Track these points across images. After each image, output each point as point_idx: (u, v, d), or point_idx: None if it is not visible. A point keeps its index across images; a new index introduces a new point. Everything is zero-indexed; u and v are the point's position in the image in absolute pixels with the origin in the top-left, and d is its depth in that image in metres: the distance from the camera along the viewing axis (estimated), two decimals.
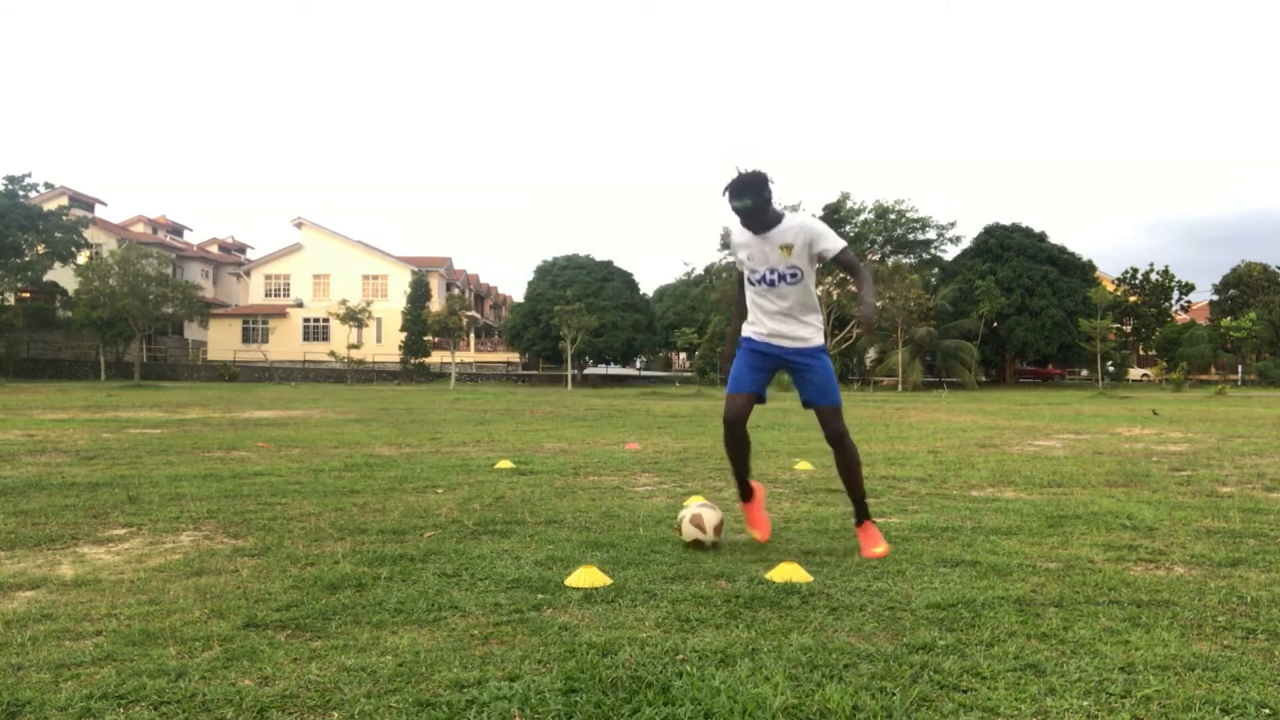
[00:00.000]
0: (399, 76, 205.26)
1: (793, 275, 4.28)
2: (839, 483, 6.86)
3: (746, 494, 4.61)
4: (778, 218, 4.28)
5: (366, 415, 17.21)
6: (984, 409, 21.92)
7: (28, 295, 52.69)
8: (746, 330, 4.47)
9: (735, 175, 4.17)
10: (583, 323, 49.47)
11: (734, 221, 4.33)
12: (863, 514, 4.41)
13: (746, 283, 4.43)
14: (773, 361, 4.42)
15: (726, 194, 4.19)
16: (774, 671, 2.62)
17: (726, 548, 4.42)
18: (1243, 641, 2.96)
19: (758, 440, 11.25)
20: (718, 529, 4.37)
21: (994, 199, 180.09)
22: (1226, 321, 56.32)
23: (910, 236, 56.14)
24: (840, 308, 53.86)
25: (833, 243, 4.27)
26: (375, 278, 64.26)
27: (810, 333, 4.41)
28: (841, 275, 54.43)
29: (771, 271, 4.28)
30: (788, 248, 4.25)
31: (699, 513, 4.39)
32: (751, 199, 4.15)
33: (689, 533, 4.37)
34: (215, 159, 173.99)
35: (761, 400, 4.45)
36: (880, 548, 4.27)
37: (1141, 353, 67.14)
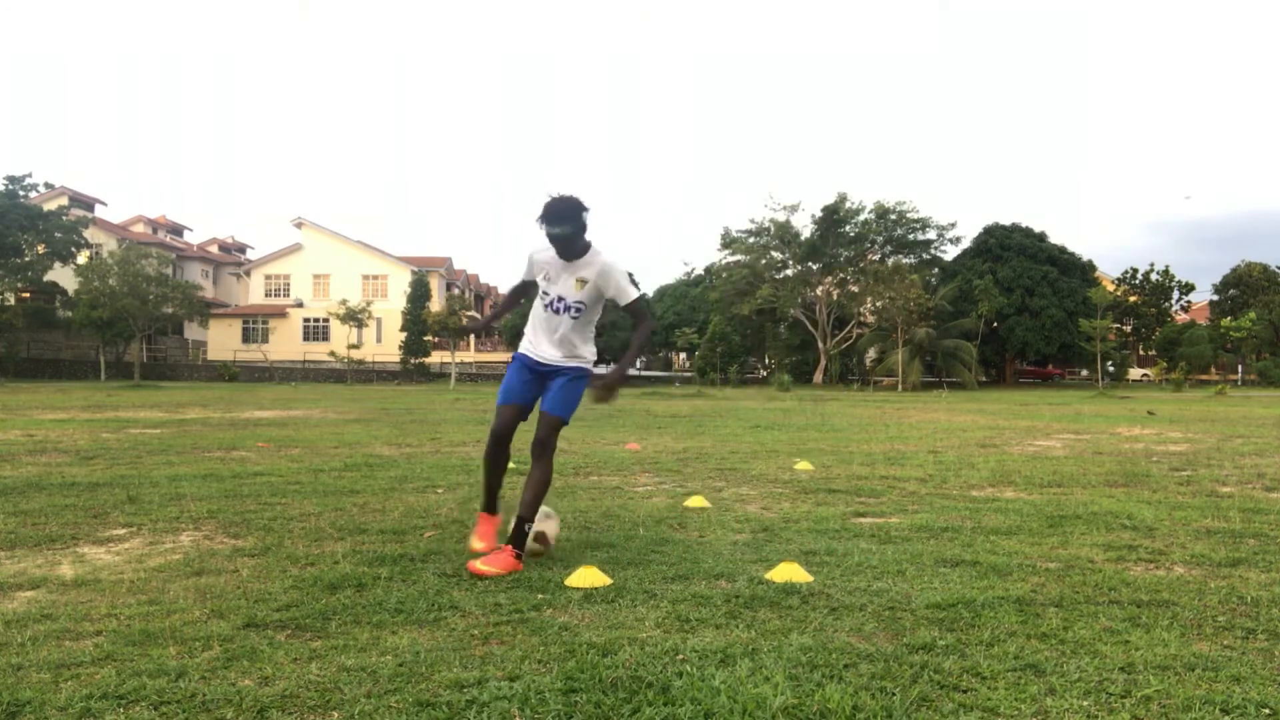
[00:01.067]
0: (399, 76, 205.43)
1: (578, 310, 4.27)
2: (839, 483, 6.89)
3: (493, 506, 4.47)
4: (585, 248, 4.22)
5: (366, 415, 17.21)
6: (984, 409, 21.92)
7: (28, 295, 52.69)
8: (524, 345, 4.42)
9: (552, 199, 4.11)
10: None
11: (543, 240, 4.25)
12: (519, 541, 4.07)
13: (537, 301, 4.39)
14: (540, 378, 4.36)
15: (542, 217, 4.11)
16: (774, 671, 2.62)
17: (726, 548, 4.42)
18: (1243, 641, 2.96)
19: (758, 440, 11.26)
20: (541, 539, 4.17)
21: (994, 199, 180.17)
22: (1226, 321, 56.30)
23: (910, 237, 56.09)
24: (840, 308, 53.90)
25: (627, 294, 4.25)
26: (375, 278, 64.25)
27: (578, 361, 4.35)
28: (841, 275, 54.55)
29: (559, 300, 4.26)
30: (582, 282, 4.23)
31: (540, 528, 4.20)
32: (570, 226, 4.10)
33: (532, 549, 4.15)
34: (215, 159, 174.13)
35: (524, 416, 4.39)
36: (492, 568, 3.86)
37: (1141, 353, 67.13)
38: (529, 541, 4.09)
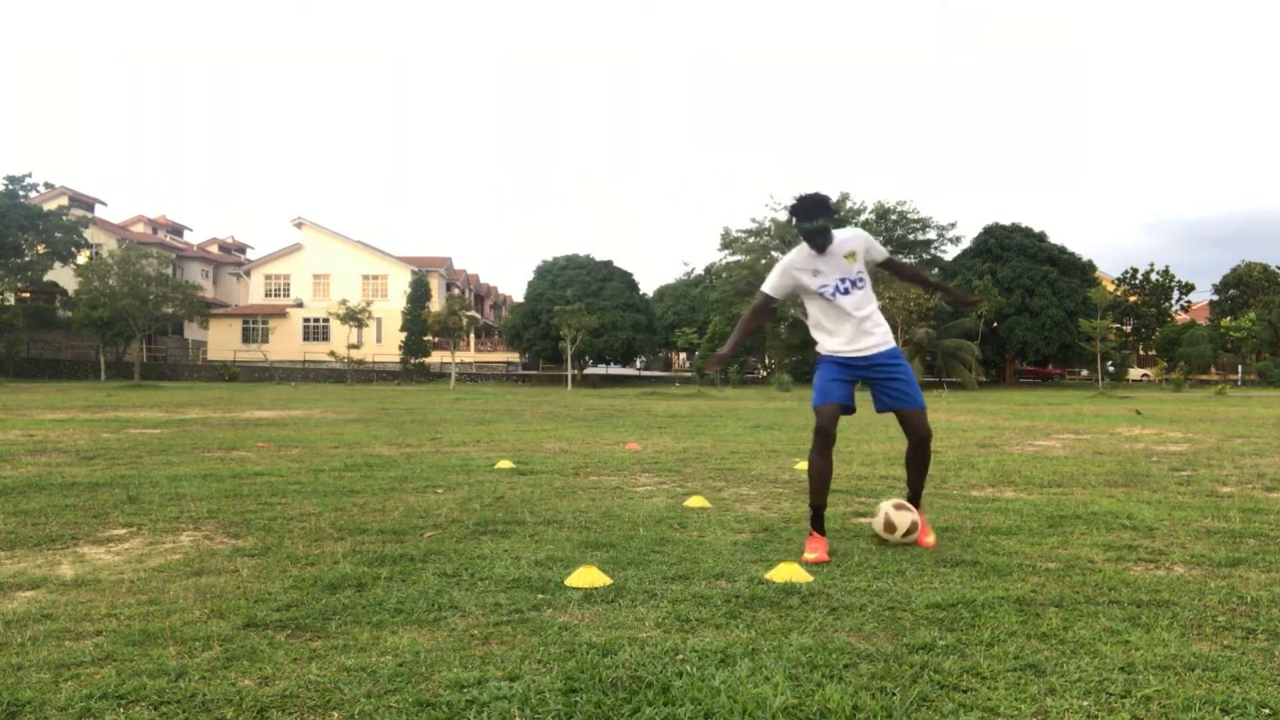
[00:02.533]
0: (399, 76, 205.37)
1: (861, 279, 4.56)
2: (839, 482, 6.88)
3: (820, 523, 4.42)
4: (832, 237, 4.53)
5: (366, 415, 17.21)
6: (984, 409, 21.91)
7: (28, 295, 52.65)
8: (826, 347, 4.59)
9: (805, 197, 4.41)
10: (583, 323, 49.46)
11: (793, 254, 4.55)
12: (916, 501, 4.69)
13: (817, 298, 4.54)
14: (855, 373, 4.56)
15: (797, 217, 4.44)
16: (774, 671, 2.62)
17: (726, 548, 4.42)
18: (1243, 641, 2.96)
19: (758, 440, 11.26)
20: (908, 531, 4.47)
21: (994, 199, 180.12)
22: (1226, 321, 56.28)
23: (910, 237, 56.11)
24: None
25: (883, 251, 4.73)
26: (375, 278, 64.23)
27: (883, 335, 4.59)
28: None
29: (843, 280, 4.51)
30: (851, 256, 4.53)
31: (889, 515, 4.52)
32: (826, 219, 4.42)
33: (879, 528, 4.55)
34: (215, 159, 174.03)
35: (850, 410, 4.56)
36: (932, 537, 4.54)
37: (1141, 353, 67.11)
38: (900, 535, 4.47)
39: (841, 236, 4.53)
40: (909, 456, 4.69)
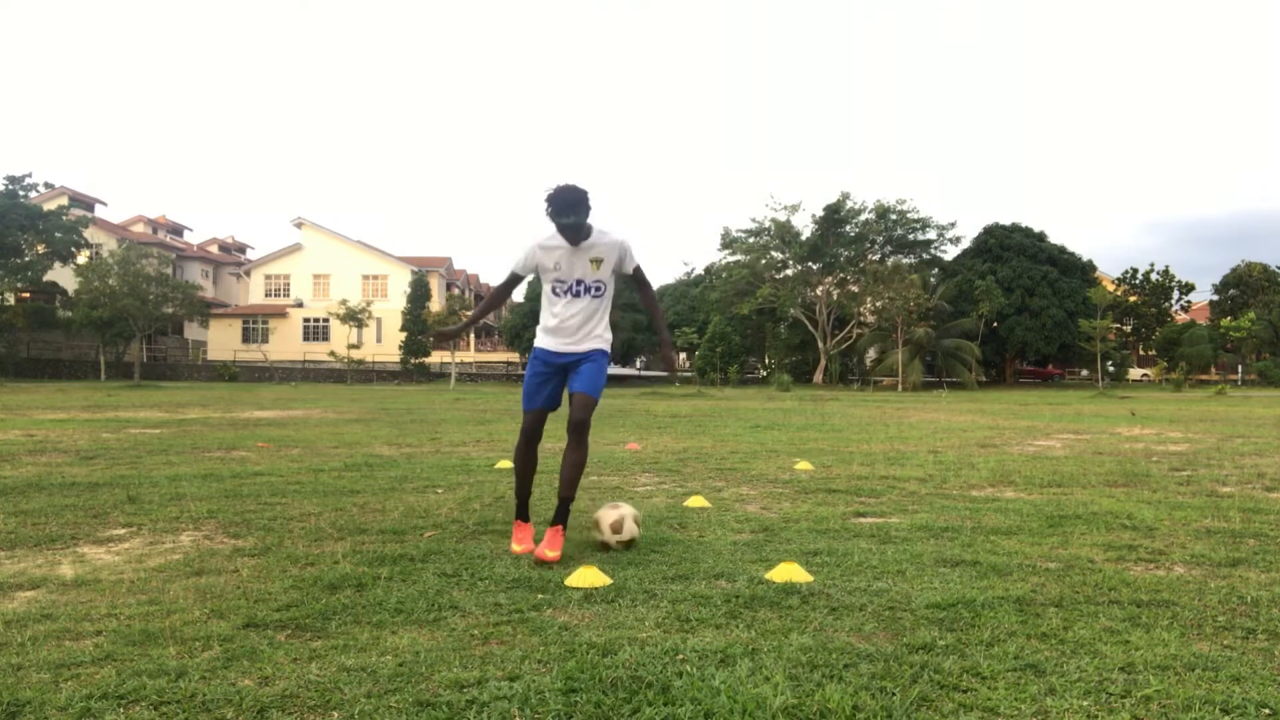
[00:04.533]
0: (399, 76, 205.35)
1: (598, 289, 4.39)
2: (839, 483, 6.88)
3: (525, 512, 4.55)
4: (590, 230, 4.36)
5: (366, 415, 17.21)
6: (984, 409, 21.91)
7: (28, 295, 52.66)
8: (542, 340, 4.49)
9: (558, 189, 4.21)
10: None
11: (550, 229, 4.36)
12: (562, 516, 4.31)
13: (549, 292, 4.43)
14: (560, 371, 4.47)
15: (551, 206, 4.21)
16: (774, 671, 2.61)
17: (726, 548, 4.42)
18: (1243, 641, 2.96)
19: (758, 440, 11.25)
20: (615, 527, 4.31)
21: (994, 199, 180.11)
22: (1226, 321, 56.26)
23: (910, 236, 56.08)
24: (840, 308, 53.86)
25: (635, 262, 4.49)
26: (375, 278, 64.25)
27: (601, 343, 4.47)
28: (841, 275, 54.50)
29: (578, 283, 4.36)
30: (597, 262, 4.35)
31: (599, 515, 4.37)
32: (578, 215, 4.22)
33: (594, 537, 4.35)
34: (215, 159, 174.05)
35: (555, 408, 4.53)
36: (552, 553, 4.11)
37: (1141, 353, 67.09)
38: (614, 536, 4.29)
39: (596, 238, 4.35)
40: (564, 453, 4.40)
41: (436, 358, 58.15)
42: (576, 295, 4.37)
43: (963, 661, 2.74)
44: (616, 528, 4.32)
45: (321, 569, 3.90)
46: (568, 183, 4.24)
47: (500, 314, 73.39)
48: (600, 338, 4.45)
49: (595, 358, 4.43)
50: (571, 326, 4.40)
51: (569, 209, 4.19)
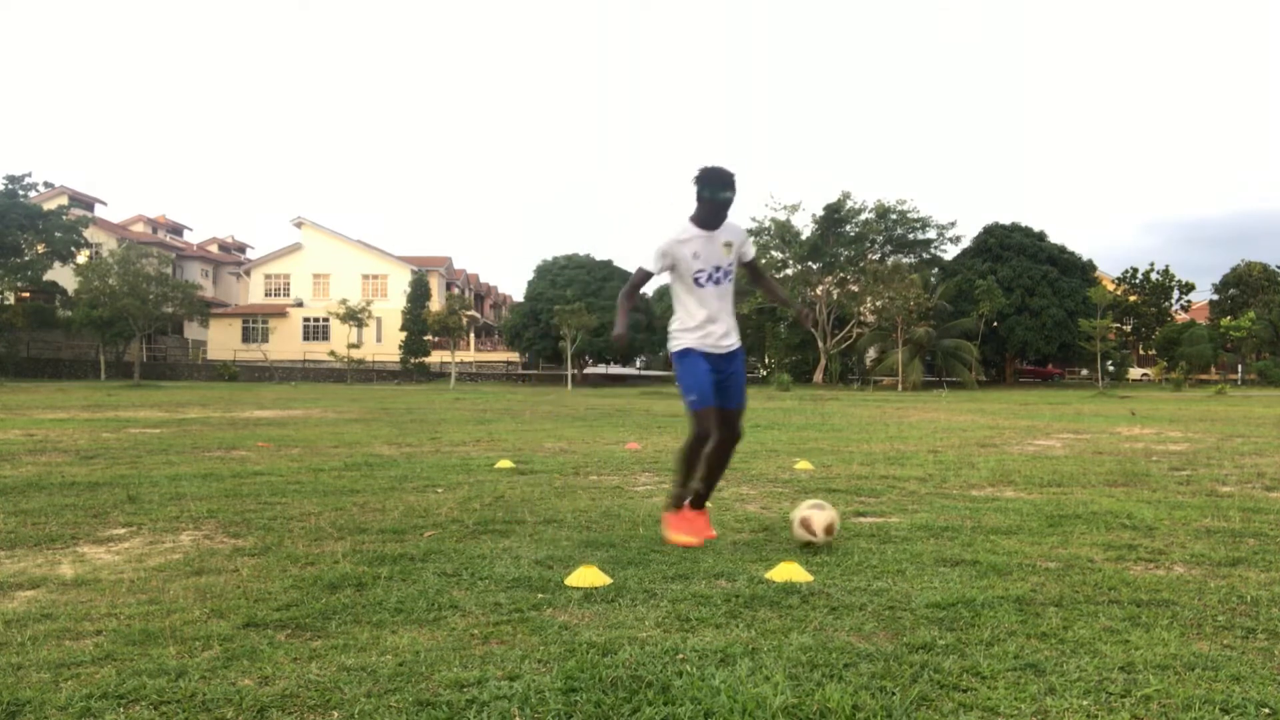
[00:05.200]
0: (399, 76, 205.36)
1: (730, 273, 4.43)
2: (839, 482, 6.88)
3: (695, 501, 4.56)
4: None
5: (366, 415, 17.21)
6: (984, 409, 21.92)
7: (28, 295, 52.64)
8: (695, 340, 4.42)
9: (718, 167, 4.26)
10: (583, 322, 49.45)
11: (678, 225, 4.38)
12: (702, 501, 4.52)
13: (691, 284, 4.39)
14: (721, 363, 4.45)
15: (709, 182, 4.24)
16: (774, 671, 2.61)
17: (726, 548, 4.42)
18: (1243, 641, 2.96)
19: (758, 440, 11.25)
20: (829, 530, 4.33)
21: (994, 199, 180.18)
22: (1226, 321, 56.25)
23: (910, 236, 56.12)
24: (840, 307, 53.86)
25: (752, 251, 4.60)
26: (375, 277, 64.24)
27: (737, 333, 4.54)
28: (841, 275, 54.49)
29: (717, 269, 4.38)
30: (728, 245, 4.39)
31: (808, 515, 4.38)
32: (734, 193, 4.28)
33: (799, 535, 4.37)
34: (215, 159, 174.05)
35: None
36: (685, 537, 4.31)
37: (1141, 352, 67.09)
38: (825, 537, 4.30)
39: (727, 224, 4.41)
40: (713, 451, 4.43)
41: (436, 357, 58.14)
42: (717, 282, 4.40)
43: (963, 661, 2.74)
44: (829, 530, 4.34)
45: (321, 569, 3.90)
46: (719, 163, 4.30)
47: (500, 313, 73.32)
48: (735, 325, 4.52)
49: (740, 361, 4.52)
50: (722, 317, 4.44)
51: (729, 185, 4.25)
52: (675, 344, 4.49)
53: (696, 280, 4.36)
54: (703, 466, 4.42)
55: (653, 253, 4.38)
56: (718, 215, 4.31)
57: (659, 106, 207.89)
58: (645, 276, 4.51)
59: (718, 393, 4.38)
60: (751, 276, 4.76)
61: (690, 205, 4.41)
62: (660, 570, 3.90)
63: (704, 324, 4.42)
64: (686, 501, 4.54)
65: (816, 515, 4.36)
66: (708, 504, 4.62)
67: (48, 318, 53.00)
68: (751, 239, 4.57)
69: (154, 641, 2.92)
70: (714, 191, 4.24)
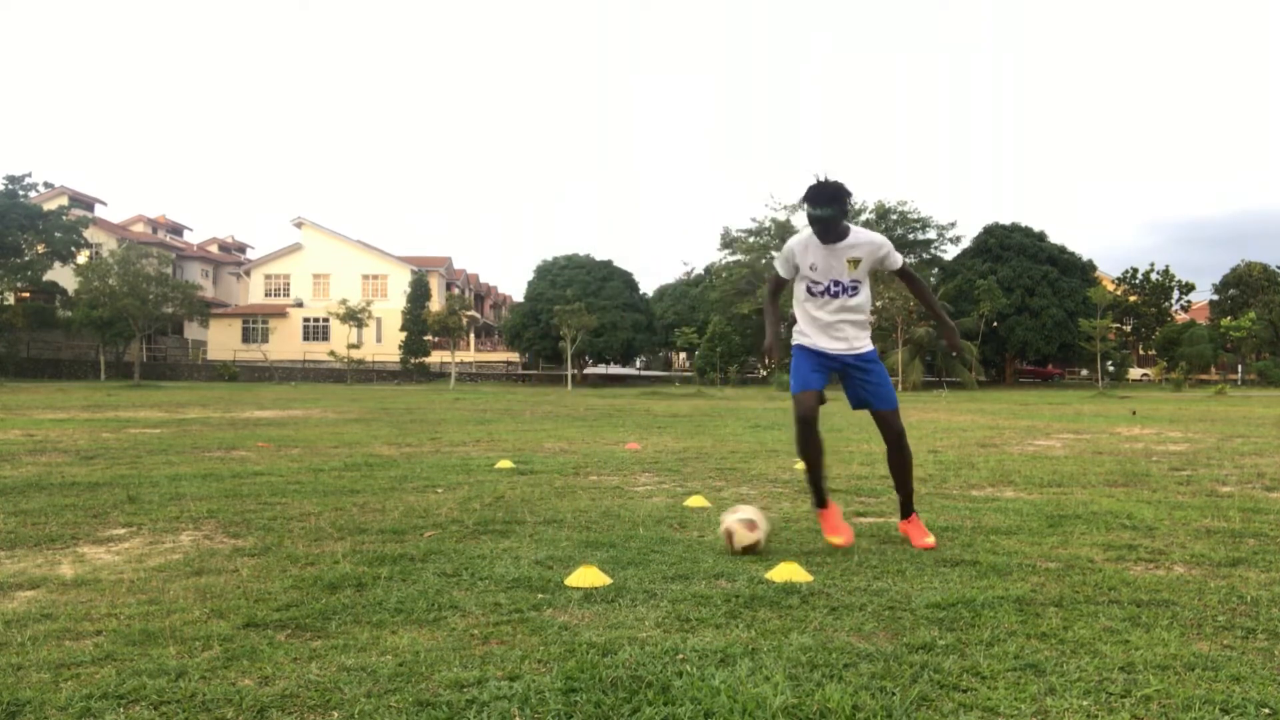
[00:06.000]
0: (399, 75, 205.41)
1: (854, 288, 4.47)
2: (839, 482, 6.87)
3: (823, 499, 4.61)
4: (846, 231, 4.45)
5: (366, 415, 17.21)
6: (984, 409, 21.91)
7: (28, 295, 52.65)
8: (801, 339, 4.58)
9: (817, 182, 4.32)
10: (583, 322, 49.47)
11: (801, 225, 4.53)
12: (909, 509, 4.63)
13: (805, 292, 4.53)
14: (831, 362, 4.54)
15: (808, 200, 4.35)
16: (774, 671, 2.61)
17: (726, 548, 4.41)
18: (1243, 641, 2.96)
19: (758, 440, 11.25)
20: (747, 549, 4.22)
21: (994, 199, 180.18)
22: (1226, 321, 56.26)
23: (911, 236, 56.17)
24: None
25: (896, 260, 4.53)
26: (375, 277, 64.26)
27: (863, 340, 4.57)
28: None
29: (835, 284, 4.44)
30: (855, 262, 4.43)
31: (732, 528, 4.27)
32: (834, 208, 4.31)
33: (743, 540, 4.23)
34: (215, 159, 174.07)
35: (823, 400, 4.58)
36: (929, 539, 4.44)
37: (1141, 352, 67.10)
38: (747, 531, 4.24)
39: (854, 238, 4.43)
40: (888, 459, 4.73)
41: (436, 357, 58.16)
42: (835, 296, 4.45)
43: (963, 661, 2.74)
44: (748, 549, 4.23)
45: (321, 569, 3.90)
46: (829, 178, 4.32)
47: (500, 314, 73.35)
48: (862, 334, 4.56)
49: (870, 365, 4.55)
50: (839, 327, 4.48)
51: (824, 201, 4.29)
52: (793, 341, 4.66)
53: (810, 290, 4.49)
54: (893, 476, 4.71)
55: (780, 257, 4.59)
56: (822, 231, 4.38)
57: (659, 106, 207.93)
58: (778, 280, 4.68)
59: (858, 398, 4.60)
60: (909, 288, 4.84)
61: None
62: (660, 570, 3.90)
63: (815, 333, 4.54)
64: (825, 499, 4.63)
65: (740, 533, 4.24)
66: (914, 512, 4.70)
67: (48, 318, 53.00)
68: (891, 250, 4.51)
69: (154, 641, 2.92)
70: (810, 208, 4.34)
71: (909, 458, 4.69)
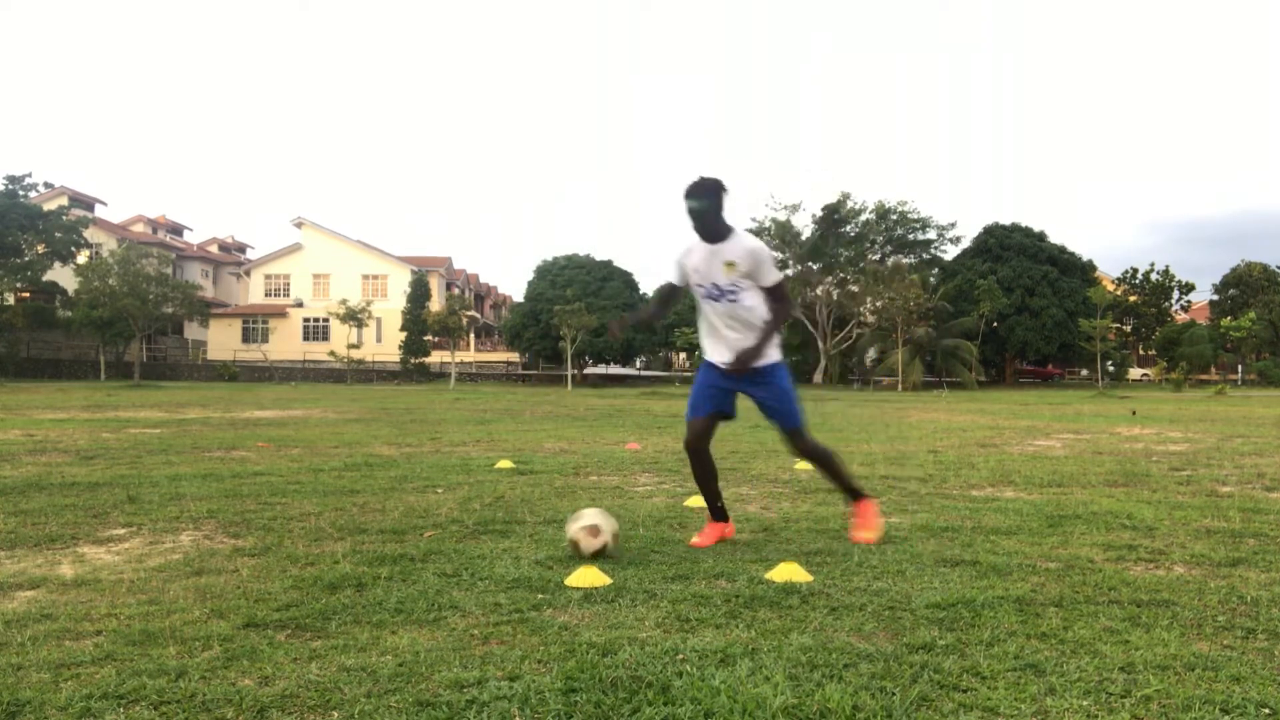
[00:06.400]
0: (399, 75, 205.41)
1: (733, 293, 4.31)
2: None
3: (715, 514, 4.57)
4: (728, 231, 4.31)
5: (366, 415, 17.21)
6: (984, 409, 21.91)
7: (28, 295, 52.63)
8: (702, 352, 4.51)
9: (696, 177, 4.27)
10: (583, 322, 49.46)
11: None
12: (855, 496, 4.53)
13: (698, 296, 4.43)
14: (725, 381, 4.40)
15: (683, 195, 4.26)
16: (774, 671, 2.61)
17: (726, 548, 4.42)
18: (1243, 641, 2.96)
19: (757, 440, 11.25)
20: (594, 553, 4.05)
21: (994, 199, 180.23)
22: (1226, 321, 56.26)
23: (910, 236, 56.20)
24: (840, 307, 53.87)
25: (770, 276, 4.33)
26: (375, 277, 64.25)
27: (765, 359, 4.35)
28: (842, 275, 54.53)
29: (715, 287, 4.32)
30: (731, 265, 4.28)
31: (577, 537, 4.11)
32: (704, 201, 4.20)
33: (589, 547, 4.08)
34: (215, 159, 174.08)
35: (729, 417, 4.50)
36: (870, 533, 4.37)
37: (1141, 353, 67.11)
38: (591, 538, 4.07)
39: (733, 242, 4.28)
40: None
41: (436, 358, 58.16)
42: (715, 299, 4.34)
43: (963, 661, 2.74)
44: (601, 553, 4.09)
45: (321, 569, 3.90)
46: (708, 174, 4.28)
47: (500, 314, 73.31)
48: (746, 343, 4.36)
49: (767, 379, 4.38)
50: (724, 338, 4.38)
51: (693, 194, 4.20)
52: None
53: (698, 292, 4.39)
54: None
55: (674, 260, 4.48)
56: (696, 226, 4.27)
57: (659, 106, 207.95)
58: (669, 288, 4.60)
59: (767, 415, 4.46)
60: (769, 307, 4.45)
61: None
62: (660, 570, 3.90)
63: (708, 343, 4.45)
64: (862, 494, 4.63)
65: (585, 541, 4.10)
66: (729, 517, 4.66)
67: (48, 318, 52.98)
68: (770, 266, 4.31)
69: (154, 641, 2.92)
70: (684, 199, 4.24)
71: (833, 460, 4.53)
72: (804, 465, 8.15)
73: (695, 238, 4.35)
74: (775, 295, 4.40)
